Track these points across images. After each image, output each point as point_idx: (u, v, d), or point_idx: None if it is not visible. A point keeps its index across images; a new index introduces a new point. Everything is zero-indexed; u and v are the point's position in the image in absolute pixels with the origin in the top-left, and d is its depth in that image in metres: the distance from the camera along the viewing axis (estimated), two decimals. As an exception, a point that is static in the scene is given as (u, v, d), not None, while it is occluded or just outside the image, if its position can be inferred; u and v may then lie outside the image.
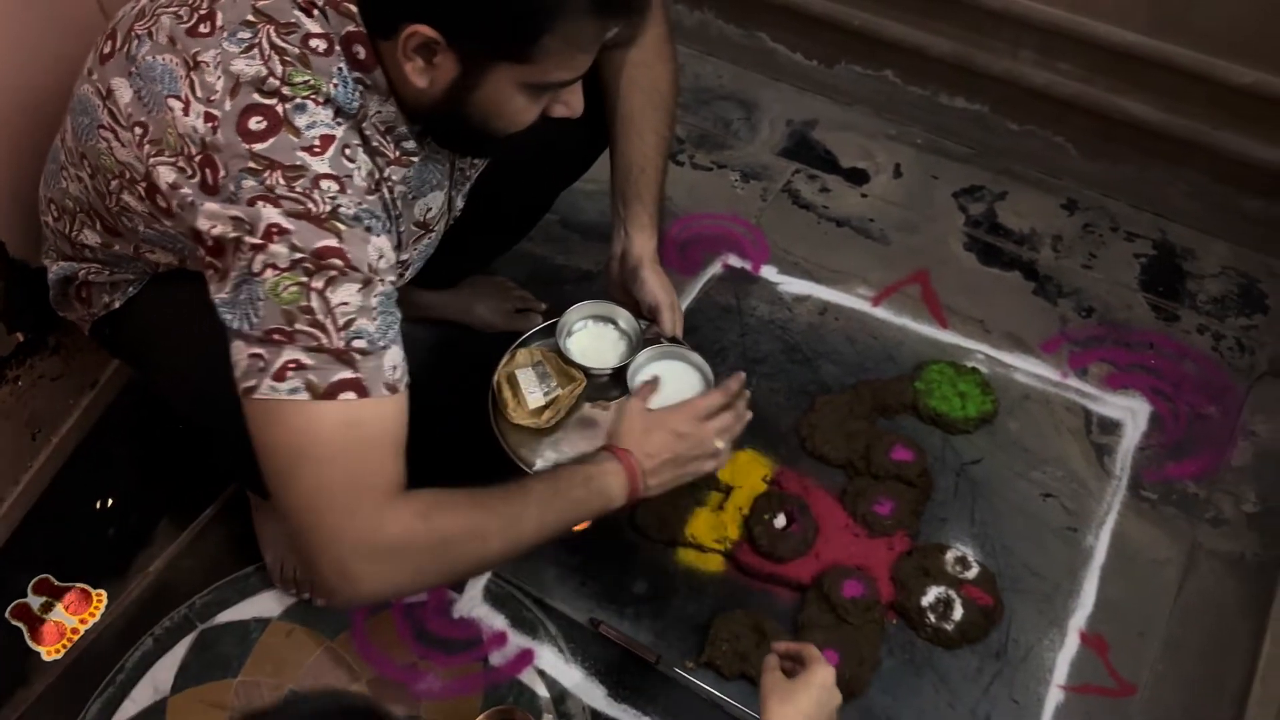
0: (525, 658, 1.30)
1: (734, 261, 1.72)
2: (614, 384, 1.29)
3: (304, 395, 0.86)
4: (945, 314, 1.64)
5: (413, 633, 1.32)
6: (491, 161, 1.21)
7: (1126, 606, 1.34)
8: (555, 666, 1.29)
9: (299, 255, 0.85)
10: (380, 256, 0.90)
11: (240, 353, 0.87)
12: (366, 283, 0.88)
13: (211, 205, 0.86)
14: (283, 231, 0.85)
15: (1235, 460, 1.47)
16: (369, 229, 0.89)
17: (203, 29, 0.88)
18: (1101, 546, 1.39)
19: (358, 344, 0.88)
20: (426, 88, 0.91)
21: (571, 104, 0.98)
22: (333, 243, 0.86)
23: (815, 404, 1.50)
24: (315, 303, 0.86)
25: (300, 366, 0.86)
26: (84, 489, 1.44)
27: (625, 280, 1.28)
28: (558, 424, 1.26)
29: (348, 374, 0.87)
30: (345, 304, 0.87)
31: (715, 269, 1.71)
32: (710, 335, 1.62)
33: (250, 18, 0.88)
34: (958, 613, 1.30)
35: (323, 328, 0.86)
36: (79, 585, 1.37)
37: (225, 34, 0.87)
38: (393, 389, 0.90)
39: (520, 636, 1.31)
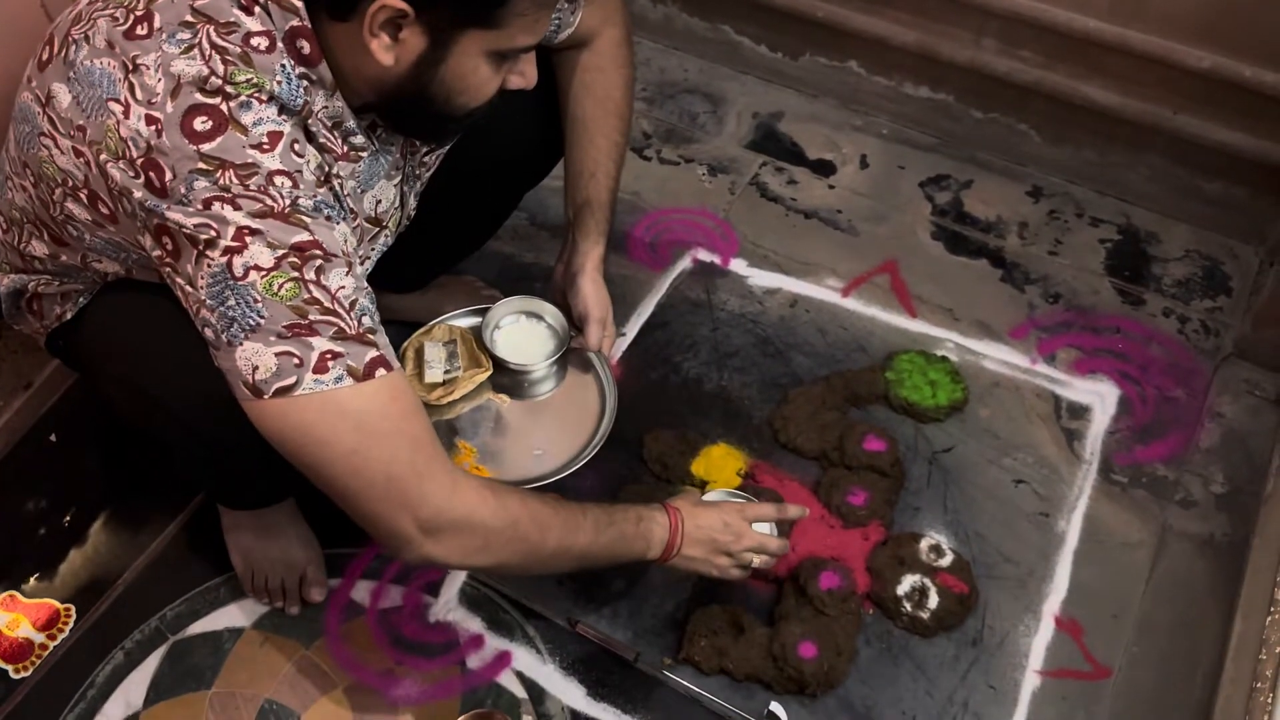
0: (503, 660, 1.29)
1: (703, 255, 1.72)
2: (528, 382, 1.34)
3: (349, 381, 0.87)
4: (914, 303, 1.65)
5: (388, 638, 1.30)
6: (450, 166, 1.20)
7: (1099, 590, 1.35)
8: (533, 667, 1.28)
9: (281, 252, 0.85)
10: (346, 241, 0.91)
11: (259, 356, 0.86)
12: (349, 266, 0.89)
13: (171, 214, 0.85)
14: (254, 232, 0.84)
15: (1203, 442, 1.48)
16: (329, 218, 0.89)
17: (140, 31, 0.87)
18: (1074, 531, 1.40)
19: (366, 322, 0.89)
20: (391, 65, 0.90)
21: (527, 74, 0.99)
22: (305, 236, 0.86)
23: (788, 396, 1.50)
24: (318, 293, 0.86)
25: (336, 355, 0.86)
26: (15, 492, 1.43)
27: (565, 286, 1.29)
28: (449, 406, 1.29)
29: (373, 352, 0.89)
30: (343, 287, 0.88)
31: (685, 263, 1.70)
32: (681, 330, 1.61)
33: (189, 18, 0.86)
34: (933, 601, 1.31)
35: (337, 314, 0.87)
36: (46, 600, 1.34)
37: (164, 35, 0.86)
38: (399, 360, 0.94)
39: (497, 638, 1.30)
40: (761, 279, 1.69)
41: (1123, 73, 1.65)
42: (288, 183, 0.86)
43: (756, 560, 1.19)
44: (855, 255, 1.71)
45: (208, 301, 0.87)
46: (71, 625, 1.33)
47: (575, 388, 1.35)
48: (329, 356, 0.86)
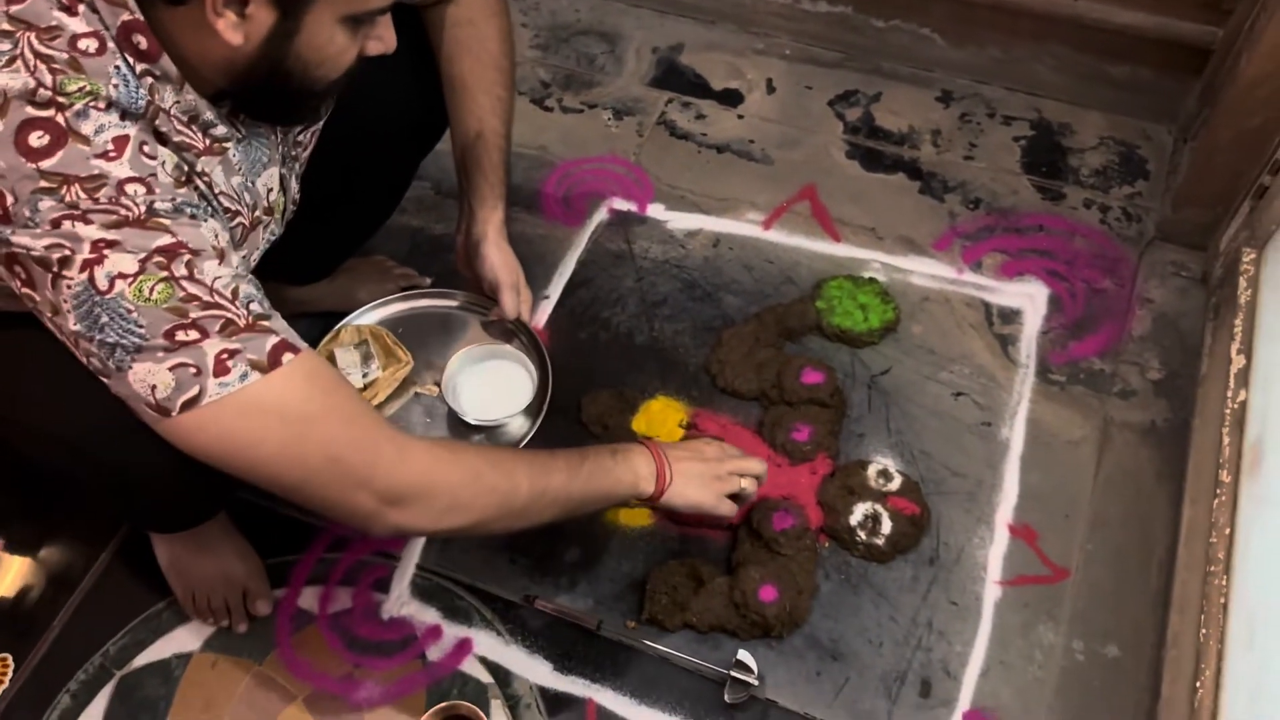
0: (464, 647, 1.26)
1: (619, 204, 1.67)
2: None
3: (255, 376, 0.83)
4: (837, 227, 1.62)
5: (343, 642, 1.27)
6: (330, 144, 1.13)
7: (1049, 492, 1.35)
8: (496, 650, 1.26)
9: (144, 255, 0.80)
10: (216, 236, 0.86)
11: (154, 375, 0.81)
12: (221, 256, 0.85)
13: (18, 239, 0.79)
14: (111, 244, 0.79)
15: (1136, 330, 1.48)
16: (194, 216, 0.84)
17: None
18: (1018, 436, 1.40)
19: (255, 309, 0.85)
20: (241, 44, 0.84)
21: (385, 38, 0.94)
22: (167, 239, 0.81)
23: (721, 339, 1.47)
24: (194, 289, 0.81)
25: (233, 353, 0.82)
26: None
27: (470, 257, 1.24)
28: (379, 407, 1.25)
29: (273, 339, 0.85)
30: (220, 277, 0.83)
31: (601, 215, 1.65)
32: (606, 284, 1.57)
33: (5, 26, 0.79)
34: (886, 526, 1.30)
35: (221, 307, 0.82)
36: (-20, 653, 1.29)
37: None
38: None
39: (455, 626, 1.28)
40: (681, 221, 1.64)
41: (1018, -36, 1.62)
42: (141, 189, 0.81)
43: (745, 484, 1.18)
44: (773, 185, 1.68)
45: (81, 330, 0.81)
46: (10, 675, 1.27)
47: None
48: (226, 356, 0.82)
